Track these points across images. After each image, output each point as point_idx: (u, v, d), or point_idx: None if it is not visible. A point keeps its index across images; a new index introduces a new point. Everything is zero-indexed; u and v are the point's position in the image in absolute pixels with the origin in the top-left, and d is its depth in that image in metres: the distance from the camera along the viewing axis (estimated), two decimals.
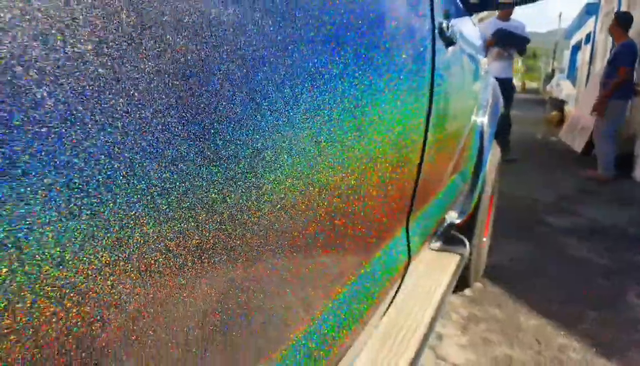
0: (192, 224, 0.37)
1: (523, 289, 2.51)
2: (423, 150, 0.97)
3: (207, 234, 0.39)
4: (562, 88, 14.06)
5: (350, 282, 0.79)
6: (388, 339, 1.27)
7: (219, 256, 0.41)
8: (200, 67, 0.36)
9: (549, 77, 28.62)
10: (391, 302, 1.09)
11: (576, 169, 5.75)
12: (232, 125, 0.40)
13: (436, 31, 0.97)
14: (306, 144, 0.52)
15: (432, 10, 0.96)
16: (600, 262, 2.94)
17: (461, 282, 2.34)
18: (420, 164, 0.98)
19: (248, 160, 0.43)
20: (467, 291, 2.45)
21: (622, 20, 5.37)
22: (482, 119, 2.00)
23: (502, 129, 5.72)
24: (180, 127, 0.34)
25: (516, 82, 37.35)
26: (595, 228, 3.61)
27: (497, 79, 5.47)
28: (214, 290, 0.42)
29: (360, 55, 0.64)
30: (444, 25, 1.01)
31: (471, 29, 1.70)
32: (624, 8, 7.24)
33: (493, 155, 2.28)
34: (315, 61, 0.52)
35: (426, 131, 0.96)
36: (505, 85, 5.63)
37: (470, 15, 1.73)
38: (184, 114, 0.35)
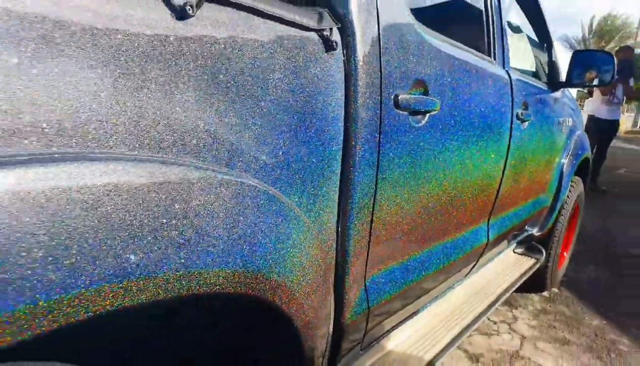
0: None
1: (592, 299, 3.12)
2: (500, 183, 1.80)
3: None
4: None
5: (457, 241, 1.65)
6: (472, 294, 2.09)
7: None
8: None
9: None
10: (474, 265, 1.92)
11: None
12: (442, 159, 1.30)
13: (514, 117, 1.81)
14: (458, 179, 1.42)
15: (512, 106, 1.79)
16: None
17: (541, 285, 3.03)
18: (498, 190, 1.81)
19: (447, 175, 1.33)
20: (545, 293, 3.12)
21: None
22: (563, 161, 2.72)
23: (595, 164, 6.20)
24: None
25: None
26: None
27: (605, 120, 5.98)
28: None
29: (472, 137, 1.51)
30: (520, 112, 1.83)
31: (555, 101, 2.45)
32: None
33: (575, 189, 2.95)
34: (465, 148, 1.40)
35: (503, 172, 1.80)
36: (612, 125, 6.09)
37: (555, 91, 2.48)
38: None
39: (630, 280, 3.56)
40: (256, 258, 0.75)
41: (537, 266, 2.71)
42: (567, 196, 2.84)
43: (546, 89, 2.35)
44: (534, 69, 2.55)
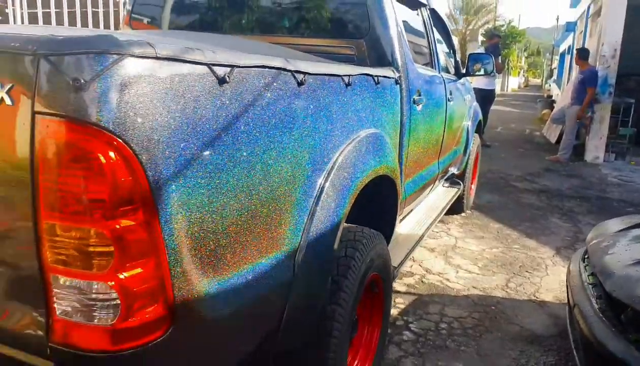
0: None
1: (492, 214, 4.72)
2: (443, 137, 3.18)
3: None
4: (552, 90, 16.29)
5: (429, 170, 3.00)
6: (429, 206, 3.48)
7: None
8: None
9: (550, 75, 30.82)
10: (432, 188, 3.29)
11: (546, 155, 7.94)
12: None
13: (447, 99, 3.18)
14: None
15: (445, 93, 3.16)
16: (539, 205, 5.15)
17: (459, 208, 4.54)
18: (442, 141, 3.19)
19: None
20: (463, 214, 4.66)
21: (583, 53, 7.61)
22: (468, 124, 4.20)
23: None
24: None
25: (519, 79, 38.76)
26: (543, 190, 5.81)
27: (486, 89, 7.77)
28: None
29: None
30: (449, 97, 3.22)
31: (461, 86, 3.89)
32: (588, 34, 9.43)
33: (475, 141, 4.48)
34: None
35: (444, 130, 3.17)
36: (490, 94, 7.94)
37: (460, 79, 3.91)
38: None
39: (513, 200, 5.26)
40: (383, 156, 1.97)
41: (458, 193, 4.19)
42: (472, 147, 4.36)
43: (455, 79, 3.78)
44: (447, 65, 3.96)
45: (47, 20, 4.74)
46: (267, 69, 1.19)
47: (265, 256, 1.26)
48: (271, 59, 1.22)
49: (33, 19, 4.55)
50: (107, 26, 5.21)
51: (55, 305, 0.88)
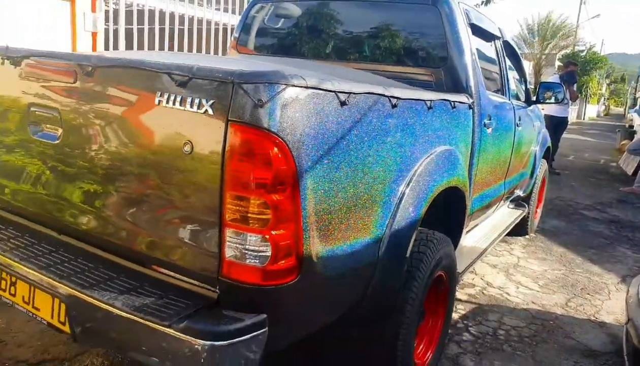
0: None
1: (557, 238, 4.83)
2: (510, 159, 3.42)
3: None
4: (634, 119, 15.61)
5: (495, 189, 3.26)
6: (494, 224, 3.71)
7: None
8: None
9: (634, 104, 29.25)
10: (497, 206, 3.53)
11: (620, 186, 7.80)
12: None
13: (515, 124, 3.44)
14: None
15: (514, 118, 3.42)
16: (608, 234, 5.18)
17: (524, 231, 4.70)
18: (509, 163, 3.44)
19: None
20: (527, 236, 4.80)
21: None
22: (536, 149, 4.39)
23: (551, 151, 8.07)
24: None
25: (599, 107, 36.93)
26: (614, 220, 5.79)
27: (558, 117, 7.78)
28: None
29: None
30: (517, 122, 3.47)
31: (531, 112, 4.11)
32: None
33: (542, 166, 4.65)
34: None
35: (511, 153, 3.41)
36: (562, 121, 7.95)
37: (529, 106, 4.12)
38: None
39: (580, 228, 5.32)
40: (455, 170, 2.28)
41: (523, 215, 4.36)
42: (539, 172, 4.53)
43: (525, 106, 4.00)
44: (517, 92, 4.19)
45: (140, 34, 5.45)
46: (371, 95, 1.58)
47: (359, 238, 1.62)
48: (374, 87, 1.60)
49: (129, 34, 5.31)
50: (192, 41, 5.92)
51: (226, 250, 1.30)
